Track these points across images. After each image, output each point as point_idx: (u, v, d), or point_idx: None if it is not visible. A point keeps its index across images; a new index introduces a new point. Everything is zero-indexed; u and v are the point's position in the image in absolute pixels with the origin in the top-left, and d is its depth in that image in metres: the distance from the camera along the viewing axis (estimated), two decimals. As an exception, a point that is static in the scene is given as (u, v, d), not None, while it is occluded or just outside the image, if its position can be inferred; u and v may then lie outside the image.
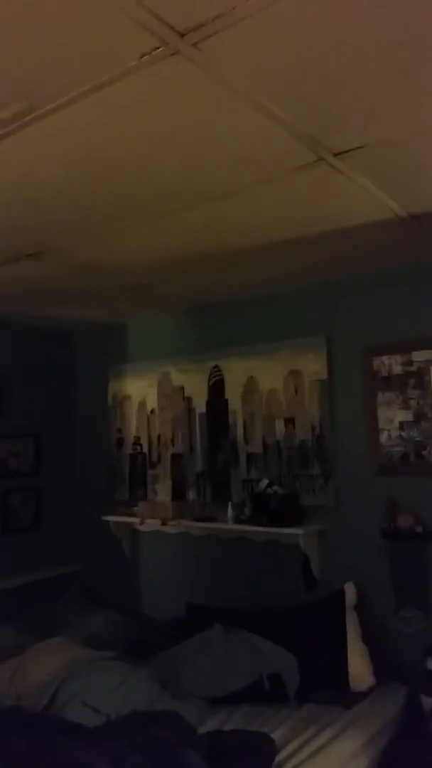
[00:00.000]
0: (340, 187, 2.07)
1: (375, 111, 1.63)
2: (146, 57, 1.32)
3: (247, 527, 3.33)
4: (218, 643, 2.91)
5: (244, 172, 1.92)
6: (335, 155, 1.86)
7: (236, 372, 3.66)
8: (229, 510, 3.41)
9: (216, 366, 3.75)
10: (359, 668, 2.82)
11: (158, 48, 1.30)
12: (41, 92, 1.45)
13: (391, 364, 3.13)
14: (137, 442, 4.08)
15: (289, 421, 3.45)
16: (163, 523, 3.65)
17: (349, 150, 1.83)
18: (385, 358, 3.14)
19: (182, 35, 1.27)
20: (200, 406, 3.81)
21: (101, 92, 1.45)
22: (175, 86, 1.45)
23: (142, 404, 4.07)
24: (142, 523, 3.78)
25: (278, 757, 2.24)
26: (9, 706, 2.57)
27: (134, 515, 3.82)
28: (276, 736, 2.37)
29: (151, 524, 3.74)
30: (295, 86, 1.49)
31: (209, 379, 3.78)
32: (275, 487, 3.32)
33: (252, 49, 1.34)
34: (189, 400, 3.86)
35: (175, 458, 3.89)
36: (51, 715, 2.48)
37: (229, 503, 3.45)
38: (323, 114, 1.63)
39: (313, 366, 3.37)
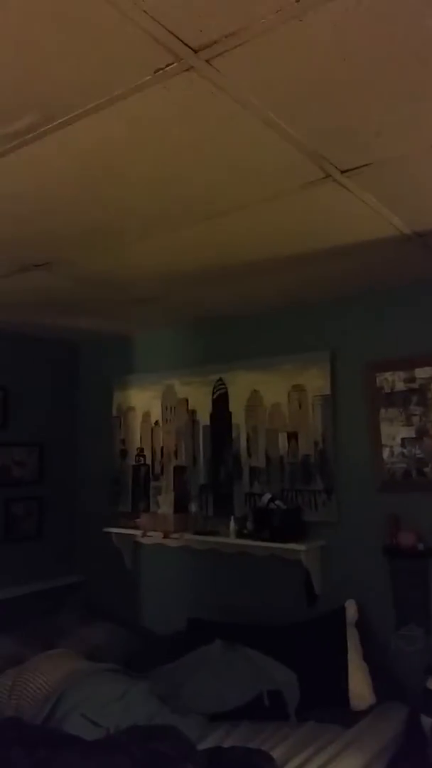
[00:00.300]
0: (346, 203, 2.09)
1: (382, 129, 1.66)
2: (160, 72, 1.35)
3: (249, 542, 3.32)
4: (218, 658, 2.88)
5: (253, 188, 1.94)
6: (342, 172, 1.88)
7: (240, 385, 3.67)
8: (232, 524, 3.40)
9: (220, 379, 3.76)
10: (359, 686, 2.79)
11: (172, 63, 1.33)
12: (55, 105, 1.47)
13: (394, 380, 3.13)
14: (141, 453, 4.08)
15: (293, 436, 3.45)
16: (165, 536, 3.64)
17: (356, 167, 1.86)
18: (389, 375, 3.15)
19: (196, 51, 1.29)
20: (204, 418, 3.81)
21: (114, 106, 1.48)
22: (187, 102, 1.47)
23: (146, 416, 4.08)
24: (143, 535, 3.77)
25: (278, 775, 2.22)
26: (8, 717, 2.54)
27: (136, 527, 3.81)
28: (276, 754, 2.34)
29: (153, 537, 3.72)
30: (305, 104, 1.51)
31: (213, 392, 3.78)
32: (278, 502, 3.31)
33: (264, 67, 1.36)
34: (193, 412, 3.87)
35: (178, 470, 3.88)
36: (50, 727, 2.46)
37: (232, 517, 3.44)
38: (332, 131, 1.65)
39: (317, 381, 3.37)
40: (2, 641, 3.34)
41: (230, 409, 3.71)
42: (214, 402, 3.78)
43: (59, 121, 1.54)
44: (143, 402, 4.10)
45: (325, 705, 2.71)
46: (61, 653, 3.08)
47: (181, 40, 1.26)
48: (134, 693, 2.66)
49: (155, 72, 1.36)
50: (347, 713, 2.68)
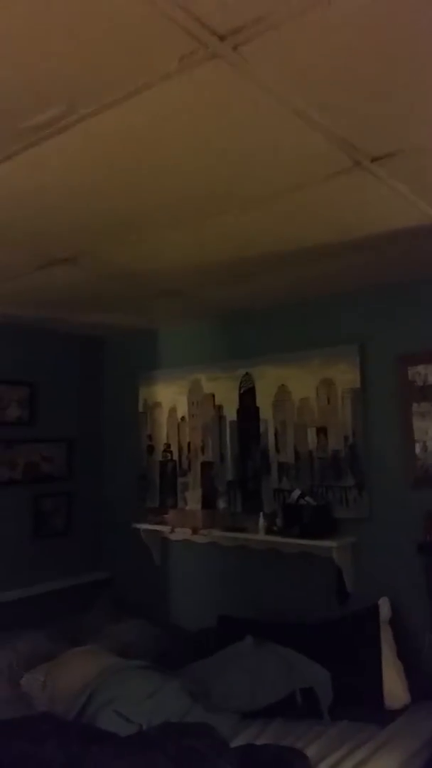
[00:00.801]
0: (376, 192, 2.04)
1: (413, 115, 1.60)
2: (185, 60, 1.32)
3: (279, 539, 3.28)
4: (249, 655, 2.86)
5: (280, 177, 1.90)
6: (372, 160, 1.83)
7: (267, 380, 3.63)
8: (261, 520, 3.37)
9: (247, 373, 3.73)
10: (394, 685, 2.75)
11: (197, 51, 1.30)
12: (80, 95, 1.45)
13: (426, 374, 3.06)
14: (167, 449, 4.07)
15: (322, 431, 3.40)
16: (194, 533, 3.63)
17: (386, 155, 1.80)
18: (421, 368, 3.08)
19: (222, 38, 1.26)
20: (231, 413, 3.79)
21: (140, 95, 1.45)
22: (213, 89, 1.44)
23: (172, 411, 4.07)
24: (172, 531, 3.76)
25: (312, 774, 2.19)
26: (41, 712, 2.56)
27: (164, 523, 3.81)
28: (309, 752, 2.31)
29: (181, 533, 3.72)
30: (334, 90, 1.47)
31: (240, 387, 3.75)
32: (307, 498, 3.27)
33: (291, 53, 1.33)
34: (219, 407, 3.84)
35: (206, 466, 3.87)
36: (84, 723, 2.47)
37: (261, 513, 3.41)
38: (361, 118, 1.60)
39: (346, 375, 3.32)
40: (34, 637, 3.37)
41: (257, 404, 3.67)
42: (241, 397, 3.75)
43: (84, 112, 1.52)
44: (169, 397, 4.09)
45: (358, 704, 2.68)
46: (91, 650, 3.09)
47: (206, 27, 1.23)
48: (166, 690, 2.65)
49: (180, 60, 1.33)
50: (382, 712, 2.64)
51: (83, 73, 1.38)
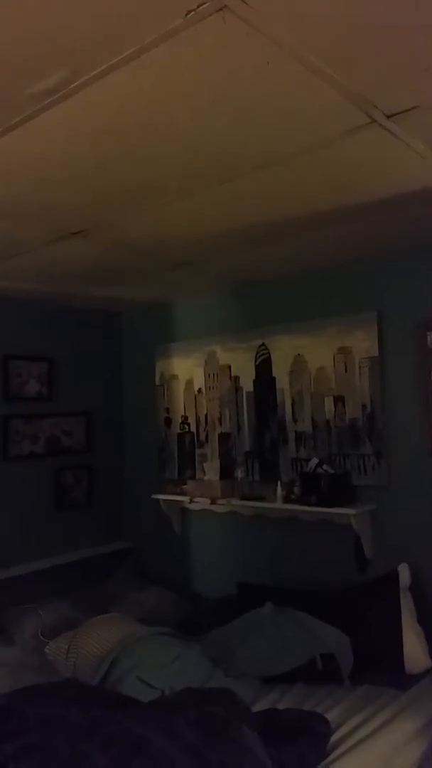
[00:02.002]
0: (393, 151, 1.96)
1: (430, 67, 1.53)
2: (192, 14, 1.27)
3: (297, 507, 3.29)
4: (270, 621, 2.89)
5: (293, 137, 1.84)
6: (388, 117, 1.76)
7: (283, 350, 3.59)
8: (278, 489, 3.38)
9: (263, 344, 3.69)
10: (415, 650, 2.76)
11: (204, 3, 1.24)
12: (83, 58, 1.41)
13: (445, 339, 3.01)
14: (185, 421, 4.08)
15: (339, 400, 3.37)
16: (212, 502, 3.65)
17: (403, 111, 1.73)
18: (440, 333, 3.02)
19: (229, -12, 1.21)
20: (247, 384, 3.77)
21: (145, 55, 1.40)
22: (221, 45, 1.38)
23: (189, 383, 4.06)
24: (191, 501, 3.79)
25: (333, 738, 2.22)
26: (65, 678, 2.62)
27: (183, 494, 3.83)
28: (330, 716, 2.34)
29: (200, 503, 3.74)
30: (347, 43, 1.40)
31: (256, 358, 3.73)
32: (325, 467, 3.26)
33: (302, 2, 1.26)
34: (236, 379, 3.83)
35: (223, 437, 3.87)
36: (106, 689, 2.52)
37: (278, 482, 3.41)
38: (376, 72, 1.54)
39: (364, 343, 3.27)
40: (58, 605, 3.44)
41: (274, 375, 3.65)
42: (258, 368, 3.73)
43: (89, 75, 1.47)
44: (186, 370, 4.08)
45: (379, 669, 2.70)
46: (114, 617, 3.14)
47: (212, -24, 1.17)
48: (188, 656, 2.69)
49: (187, 14, 1.27)
50: (402, 677, 2.66)
51: (85, 34, 1.33)
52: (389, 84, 1.59)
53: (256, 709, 2.41)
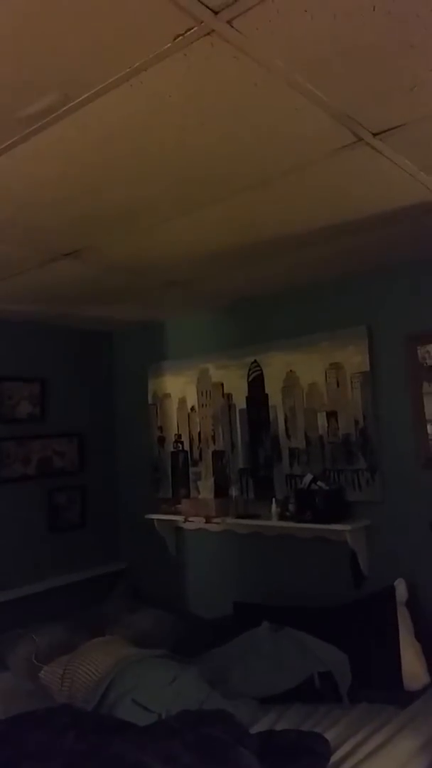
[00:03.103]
0: (380, 169, 2.00)
1: (416, 86, 1.57)
2: (180, 38, 1.29)
3: (292, 524, 3.27)
4: (266, 641, 2.86)
5: (281, 157, 1.87)
6: (375, 135, 1.79)
7: (275, 366, 3.61)
8: (273, 506, 3.36)
9: (255, 361, 3.71)
10: (413, 666, 2.73)
11: (192, 28, 1.27)
12: (75, 81, 1.43)
13: (436, 353, 3.03)
14: (178, 439, 4.07)
15: (332, 415, 3.38)
16: (207, 521, 3.63)
17: (389, 129, 1.77)
18: (430, 347, 3.04)
19: (216, 12, 1.23)
20: (240, 402, 3.77)
21: (134, 79, 1.43)
22: (209, 68, 1.41)
23: (182, 402, 4.06)
24: (185, 521, 3.77)
25: (333, 758, 2.19)
26: (60, 704, 2.58)
27: (178, 513, 3.81)
28: (329, 736, 2.31)
29: (195, 522, 3.72)
30: (333, 62, 1.43)
31: (248, 375, 3.74)
32: (320, 483, 3.26)
33: (288, 24, 1.29)
34: (229, 396, 3.83)
35: (217, 455, 3.86)
36: (102, 713, 2.48)
37: (273, 500, 3.40)
38: (362, 92, 1.57)
39: (355, 358, 3.29)
40: (52, 629, 3.39)
41: (266, 391, 3.65)
42: (250, 384, 3.73)
43: (79, 99, 1.50)
44: (178, 388, 4.08)
45: (377, 686, 2.67)
46: (109, 640, 3.10)
47: (200, 1, 1.20)
48: (184, 678, 2.66)
49: (175, 39, 1.30)
50: (401, 694, 2.63)
51: (75, 58, 1.35)
52: (375, 103, 1.62)
53: (254, 730, 2.37)
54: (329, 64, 1.44)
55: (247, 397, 3.74)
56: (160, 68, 1.40)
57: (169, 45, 1.32)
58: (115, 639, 3.14)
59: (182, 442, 4.05)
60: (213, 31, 1.29)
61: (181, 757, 1.90)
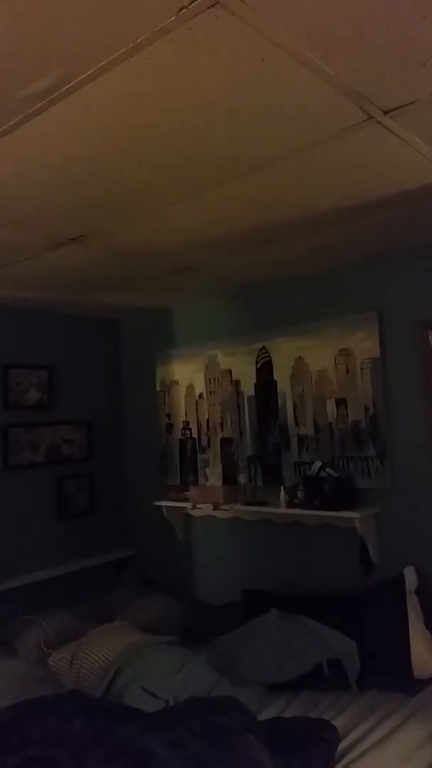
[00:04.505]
0: (390, 148, 1.94)
1: (429, 60, 1.51)
2: (184, 11, 1.25)
3: (301, 511, 3.25)
4: (275, 628, 2.85)
5: (290, 135, 1.82)
6: (385, 113, 1.74)
7: (284, 353, 3.57)
8: (282, 494, 3.34)
9: (263, 347, 3.67)
10: (422, 654, 2.72)
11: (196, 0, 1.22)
12: (76, 59, 1.39)
13: (447, 338, 2.98)
14: (186, 427, 4.05)
15: (341, 402, 3.35)
16: (215, 508, 3.62)
17: (400, 106, 1.71)
18: (442, 332, 3.00)
19: (221, -17, 1.19)
20: (248, 388, 3.74)
21: (138, 55, 1.38)
22: (215, 42, 1.36)
23: (190, 389, 4.04)
24: (193, 508, 3.76)
25: (341, 745, 2.18)
26: (68, 690, 2.58)
27: (186, 500, 3.80)
28: (338, 723, 2.30)
29: (203, 509, 3.71)
30: (342, 36, 1.38)
31: (257, 361, 3.70)
32: (328, 470, 3.23)
33: (296, -4, 1.25)
34: (237, 383, 3.80)
35: (225, 442, 3.84)
36: (110, 700, 2.48)
37: (281, 487, 3.38)
38: (372, 66, 1.51)
39: (365, 344, 3.25)
40: (61, 616, 3.40)
41: (275, 378, 3.62)
42: (258, 371, 3.70)
43: (82, 77, 1.45)
44: (186, 375, 4.06)
45: (386, 673, 2.66)
46: (118, 626, 3.11)
47: (204, -29, 1.16)
48: (193, 665, 2.66)
49: (179, 11, 1.25)
50: (410, 681, 2.62)
51: (77, 34, 1.31)
52: (386, 79, 1.57)
53: (262, 717, 2.37)
54: (338, 38, 1.38)
55: (255, 384, 3.71)
56: (164, 43, 1.35)
57: (173, 18, 1.27)
58: (123, 625, 3.15)
59: (190, 429, 4.03)
60: (218, 2, 1.24)
61: (188, 744, 1.89)
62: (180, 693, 2.44)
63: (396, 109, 1.72)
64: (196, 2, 1.23)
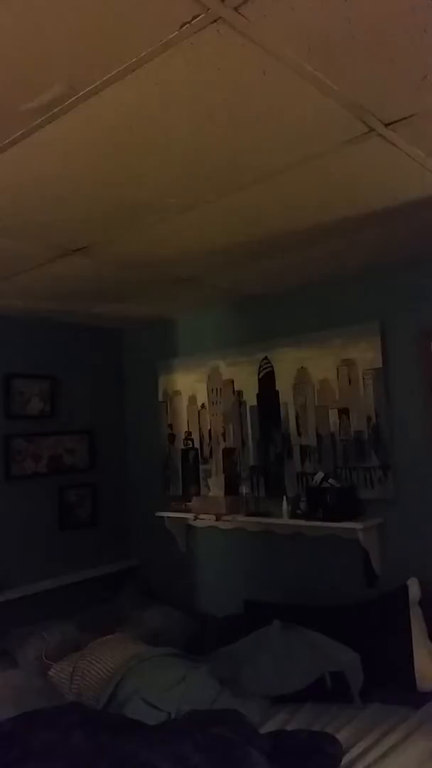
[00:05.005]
0: (392, 160, 1.96)
1: (429, 74, 1.53)
2: (186, 26, 1.27)
3: (303, 522, 3.24)
4: (278, 640, 2.83)
5: (292, 148, 1.84)
6: (386, 125, 1.76)
7: (286, 363, 3.57)
8: (284, 504, 3.33)
9: (265, 358, 3.67)
10: (426, 666, 2.70)
11: (199, 15, 1.24)
12: (80, 73, 1.41)
13: (449, 349, 2.98)
14: (189, 437, 4.05)
15: (344, 412, 3.34)
16: (218, 519, 3.61)
17: (401, 119, 1.73)
18: (444, 343, 3.00)
19: (223, -1, 1.20)
20: (251, 399, 3.74)
21: (141, 69, 1.40)
22: (217, 57, 1.38)
23: (192, 399, 4.04)
24: (195, 518, 3.75)
25: (344, 759, 2.16)
26: (69, 702, 2.57)
27: (188, 511, 3.79)
28: (341, 737, 2.28)
29: (206, 520, 3.70)
30: (343, 49, 1.40)
31: (259, 372, 3.71)
32: (331, 480, 3.22)
33: (297, 11, 1.26)
34: (239, 393, 3.80)
35: (227, 452, 3.83)
36: (111, 712, 2.47)
37: (284, 497, 3.37)
38: (373, 79, 1.53)
39: (367, 354, 3.25)
40: (62, 627, 3.38)
41: (277, 388, 3.62)
42: (261, 381, 3.70)
43: (85, 91, 1.47)
44: (189, 385, 4.06)
45: (390, 686, 2.63)
46: (119, 638, 3.09)
47: (206, -13, 1.17)
48: (194, 677, 2.64)
49: (181, 27, 1.27)
50: (414, 694, 2.60)
51: (81, 49, 1.33)
52: (386, 92, 1.59)
53: (264, 730, 2.35)
54: (339, 52, 1.40)
55: (257, 394, 3.71)
56: (166, 58, 1.37)
57: (175, 33, 1.29)
58: (125, 637, 3.13)
59: (192, 440, 4.03)
60: (220, 18, 1.26)
61: (190, 758, 1.88)
62: (182, 705, 2.42)
63: (397, 121, 1.73)
64: (198, 18, 1.25)
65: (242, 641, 2.96)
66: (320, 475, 3.27)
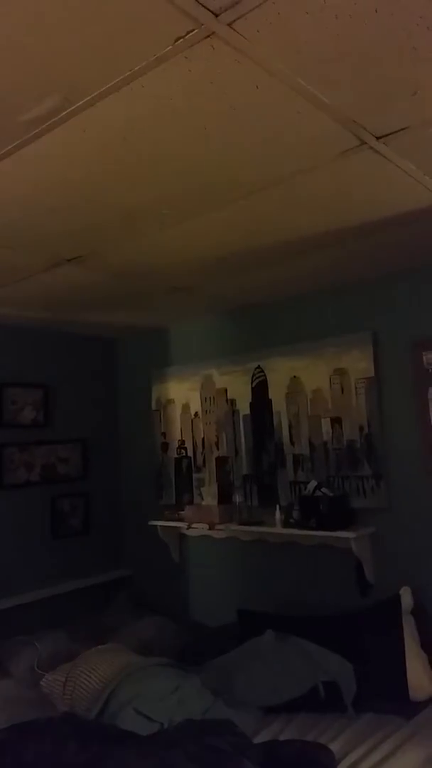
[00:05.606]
0: (384, 173, 1.99)
1: (420, 87, 1.55)
2: (180, 41, 1.29)
3: (296, 531, 3.24)
4: (271, 649, 2.83)
5: (285, 161, 1.86)
6: (378, 138, 1.78)
7: (279, 372, 3.59)
8: (277, 513, 3.34)
9: (258, 367, 3.69)
10: (418, 676, 2.69)
11: (192, 30, 1.26)
12: (75, 85, 1.43)
13: (442, 358, 3.01)
14: (182, 446, 4.05)
15: (336, 421, 3.36)
16: (211, 528, 3.60)
17: (392, 132, 1.76)
18: (436, 353, 3.02)
19: (216, 15, 1.22)
20: (244, 408, 3.75)
21: (135, 82, 1.42)
22: (210, 71, 1.40)
23: (185, 408, 4.04)
24: (189, 527, 3.74)
25: (338, 769, 2.16)
26: (62, 713, 2.55)
27: (181, 520, 3.79)
28: (334, 747, 2.27)
29: (199, 529, 3.69)
30: (335, 65, 1.42)
31: (252, 381, 3.72)
32: (324, 489, 3.23)
33: (290, 27, 1.28)
34: (232, 402, 3.81)
35: (220, 461, 3.83)
36: (104, 723, 2.45)
37: (277, 506, 3.38)
38: (365, 94, 1.56)
39: (360, 364, 3.27)
40: (55, 637, 3.36)
41: (270, 397, 3.63)
42: (254, 390, 3.71)
43: (80, 102, 1.49)
44: (182, 394, 4.07)
45: (383, 696, 2.63)
46: (112, 648, 3.07)
47: (200, 3, 1.19)
48: (187, 687, 2.63)
49: (175, 41, 1.29)
50: (407, 704, 2.59)
51: (76, 61, 1.35)
52: (378, 106, 1.61)
53: (258, 740, 2.34)
54: (331, 67, 1.43)
55: (250, 403, 3.73)
56: (161, 71, 1.39)
57: (169, 48, 1.31)
58: (117, 647, 3.11)
59: (186, 448, 4.03)
60: (214, 33, 1.28)
61: (183, 768, 1.87)
62: (174, 715, 2.41)
63: (388, 135, 1.76)
64: (192, 33, 1.27)
65: (235, 651, 2.95)
66: (313, 484, 3.27)
